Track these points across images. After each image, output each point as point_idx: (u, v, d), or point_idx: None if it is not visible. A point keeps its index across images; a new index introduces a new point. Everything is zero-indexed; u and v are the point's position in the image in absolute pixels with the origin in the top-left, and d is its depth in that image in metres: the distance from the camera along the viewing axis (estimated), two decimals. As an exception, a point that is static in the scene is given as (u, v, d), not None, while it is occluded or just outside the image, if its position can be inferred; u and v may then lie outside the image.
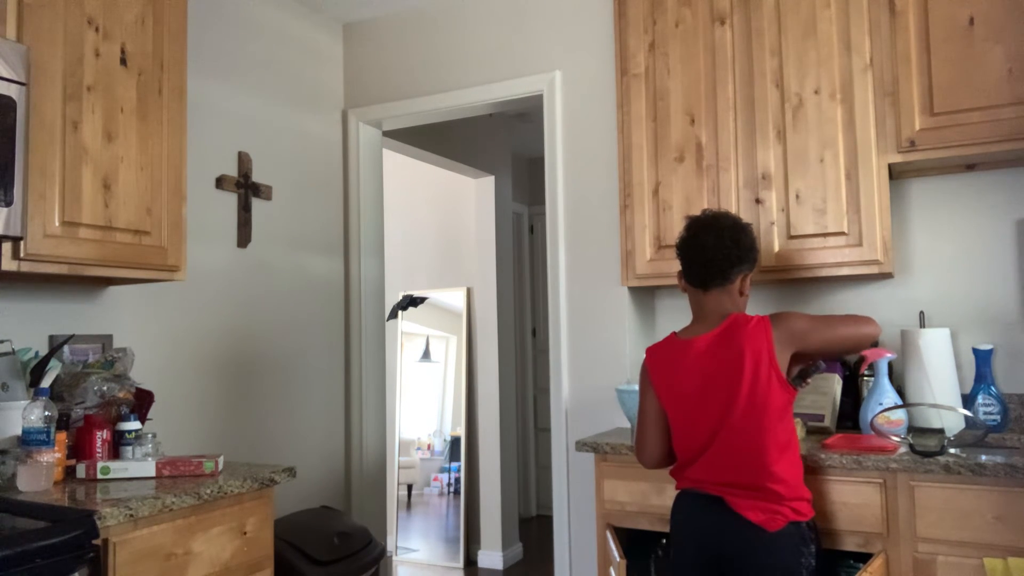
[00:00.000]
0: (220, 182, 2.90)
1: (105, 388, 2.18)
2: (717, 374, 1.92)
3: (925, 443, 2.01)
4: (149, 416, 2.36)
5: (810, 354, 1.96)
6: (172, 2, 2.33)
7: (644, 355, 2.87)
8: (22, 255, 1.91)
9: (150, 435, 2.22)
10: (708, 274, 2.00)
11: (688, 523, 1.98)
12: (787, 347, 1.90)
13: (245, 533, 2.05)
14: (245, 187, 3.00)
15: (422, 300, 4.90)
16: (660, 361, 2.05)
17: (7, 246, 1.89)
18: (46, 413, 1.88)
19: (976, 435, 2.13)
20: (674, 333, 2.07)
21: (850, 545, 2.03)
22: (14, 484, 1.89)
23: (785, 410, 1.89)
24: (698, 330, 2.01)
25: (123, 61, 2.18)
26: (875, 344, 2.45)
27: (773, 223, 2.44)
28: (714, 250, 1.98)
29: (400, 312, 4.92)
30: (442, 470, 4.69)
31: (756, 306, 2.75)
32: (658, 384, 2.04)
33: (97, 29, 2.11)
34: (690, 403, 1.97)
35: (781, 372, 1.88)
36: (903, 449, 2.06)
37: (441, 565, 4.57)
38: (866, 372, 2.44)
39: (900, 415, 2.20)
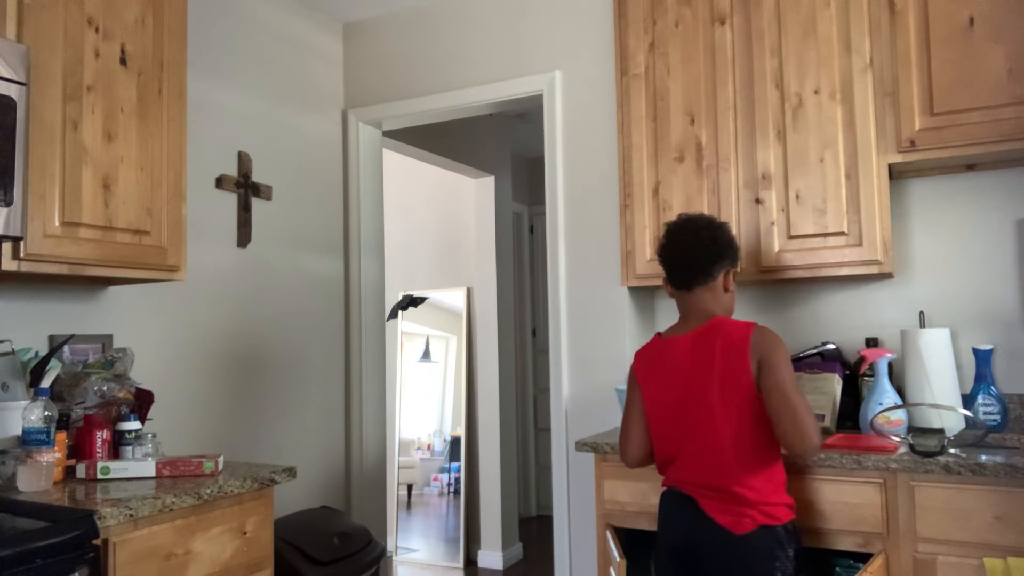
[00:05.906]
0: (220, 182, 2.90)
1: (105, 388, 2.18)
2: (694, 375, 1.92)
3: (925, 443, 2.01)
4: (149, 416, 2.36)
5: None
6: (172, 2, 2.33)
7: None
8: (22, 255, 1.91)
9: (150, 435, 2.22)
10: (691, 274, 2.00)
11: (665, 522, 2.01)
12: (755, 362, 1.85)
13: (245, 533, 2.05)
14: (245, 187, 3.00)
15: (422, 300, 4.90)
16: (645, 361, 2.06)
17: (7, 246, 1.89)
18: (46, 413, 1.88)
19: (976, 435, 2.13)
20: (658, 334, 2.08)
21: (850, 545, 2.03)
22: (14, 484, 1.89)
23: (763, 416, 1.85)
24: (680, 330, 2.02)
25: (123, 61, 2.18)
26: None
27: (773, 223, 2.44)
28: (693, 249, 1.99)
29: (400, 312, 4.92)
30: (442, 470, 4.69)
31: (756, 306, 2.76)
32: (643, 383, 2.05)
33: (97, 29, 2.11)
34: (669, 403, 1.97)
35: (753, 379, 1.84)
36: (903, 449, 2.05)
37: (441, 565, 4.57)
38: (866, 372, 2.44)
39: (900, 415, 2.20)
